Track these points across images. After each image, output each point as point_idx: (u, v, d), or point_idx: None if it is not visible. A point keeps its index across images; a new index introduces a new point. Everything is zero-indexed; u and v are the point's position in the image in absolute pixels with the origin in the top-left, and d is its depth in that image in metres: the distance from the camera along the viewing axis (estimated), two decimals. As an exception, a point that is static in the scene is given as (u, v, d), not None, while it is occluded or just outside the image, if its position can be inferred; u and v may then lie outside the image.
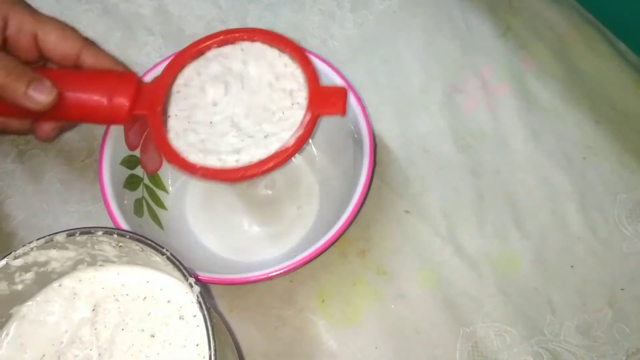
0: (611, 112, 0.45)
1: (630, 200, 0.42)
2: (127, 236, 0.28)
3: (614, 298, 0.39)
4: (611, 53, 0.47)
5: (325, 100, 0.34)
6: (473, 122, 0.45)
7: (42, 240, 0.28)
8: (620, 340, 0.38)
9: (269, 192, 0.42)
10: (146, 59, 0.48)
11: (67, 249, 0.29)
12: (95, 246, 0.30)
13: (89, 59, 0.37)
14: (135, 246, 0.28)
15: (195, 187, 0.43)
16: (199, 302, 0.26)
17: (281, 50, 0.36)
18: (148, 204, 0.40)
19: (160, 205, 0.41)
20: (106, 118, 0.36)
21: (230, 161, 0.34)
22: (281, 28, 0.48)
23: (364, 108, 0.38)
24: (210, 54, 0.37)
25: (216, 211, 0.42)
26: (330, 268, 0.40)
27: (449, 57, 0.47)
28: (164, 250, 0.27)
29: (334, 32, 0.48)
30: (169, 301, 0.30)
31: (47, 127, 0.38)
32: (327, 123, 0.41)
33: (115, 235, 0.28)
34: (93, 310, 0.30)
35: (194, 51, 0.37)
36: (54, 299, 0.31)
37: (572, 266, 0.40)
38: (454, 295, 0.39)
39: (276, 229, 0.42)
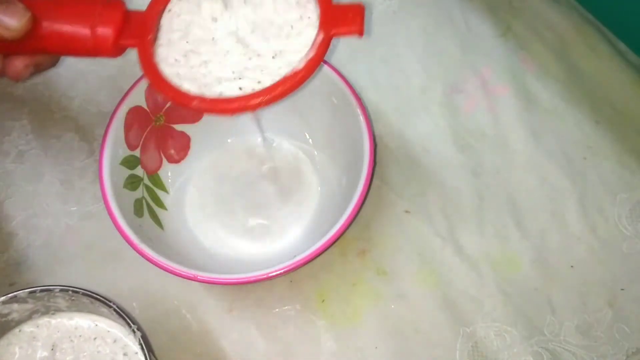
0: (611, 112, 0.45)
1: (630, 200, 0.42)
2: (80, 292, 0.34)
3: (614, 298, 0.39)
4: (611, 53, 0.47)
5: (341, 18, 0.30)
6: (473, 122, 0.45)
7: (7, 297, 0.34)
8: (620, 340, 0.38)
9: (271, 188, 0.42)
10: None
11: (27, 302, 0.35)
12: (51, 299, 0.35)
13: None
14: (86, 300, 0.34)
15: (195, 187, 0.43)
16: (141, 345, 0.33)
17: None
18: (148, 204, 0.40)
19: (160, 205, 0.41)
20: (89, 50, 0.32)
21: (233, 88, 0.30)
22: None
23: (363, 108, 0.38)
24: None
25: (216, 210, 0.42)
26: (330, 268, 0.40)
27: (449, 57, 0.47)
28: (111, 304, 0.34)
29: (334, 32, 0.48)
30: (115, 341, 0.37)
31: (18, 63, 0.33)
32: (328, 122, 0.41)
33: (70, 292, 0.34)
34: (52, 349, 0.36)
35: None
36: (15, 342, 0.36)
37: (572, 266, 0.40)
38: (454, 295, 0.39)
39: (276, 229, 0.42)
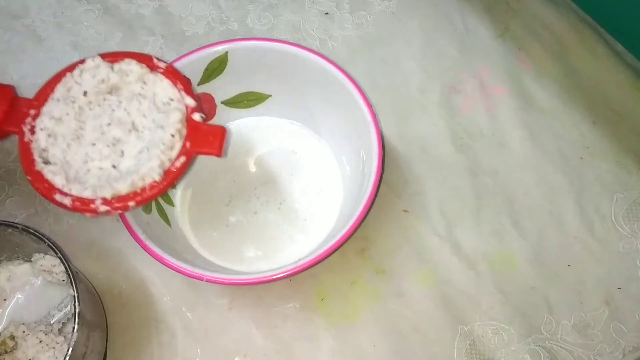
0: (608, 113, 0.45)
1: (626, 200, 0.42)
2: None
3: (610, 297, 0.40)
4: (608, 54, 0.47)
5: (203, 139, 0.33)
6: (471, 122, 0.45)
7: None
8: (617, 338, 0.39)
9: (274, 189, 0.43)
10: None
11: None
12: None
13: None
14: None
15: (201, 184, 0.43)
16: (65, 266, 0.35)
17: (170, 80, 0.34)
18: (157, 201, 0.40)
19: (169, 201, 0.41)
20: None
21: (101, 187, 0.32)
22: (280, 28, 0.49)
23: (377, 123, 0.38)
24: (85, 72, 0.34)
25: (218, 209, 0.42)
26: (329, 267, 0.40)
27: (447, 58, 0.47)
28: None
29: (333, 33, 0.49)
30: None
31: None
32: (337, 125, 0.42)
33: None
34: None
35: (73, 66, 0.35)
36: None
37: (569, 265, 0.40)
38: (452, 294, 0.40)
39: (279, 229, 0.42)
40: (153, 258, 0.35)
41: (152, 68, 0.34)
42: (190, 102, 0.33)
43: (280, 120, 0.44)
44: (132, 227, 0.35)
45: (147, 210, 0.38)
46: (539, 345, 0.38)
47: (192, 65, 0.38)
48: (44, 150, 0.33)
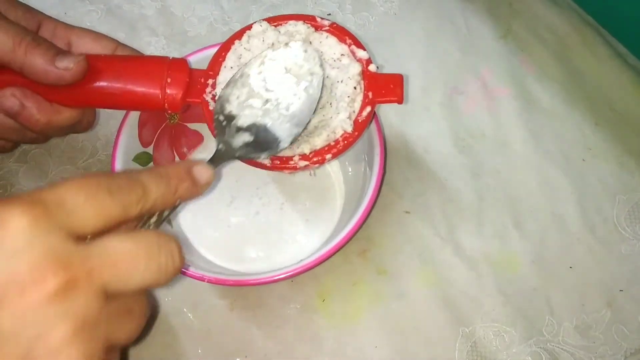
0: (610, 114, 0.45)
1: (629, 202, 0.42)
2: None
3: (612, 299, 0.39)
4: (611, 55, 0.47)
5: (383, 88, 0.34)
6: (473, 123, 0.45)
7: None
8: (618, 341, 0.38)
9: (277, 189, 0.43)
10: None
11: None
12: None
13: None
14: None
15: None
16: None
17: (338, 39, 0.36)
18: None
19: None
20: (158, 107, 0.35)
21: (285, 148, 0.33)
22: (283, 29, 0.49)
23: (378, 124, 0.38)
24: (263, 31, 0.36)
25: (220, 209, 0.42)
26: (330, 268, 0.40)
27: (449, 59, 0.47)
28: None
29: (336, 34, 0.49)
30: None
31: (66, 114, 0.36)
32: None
33: None
34: None
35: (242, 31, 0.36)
36: None
37: (571, 267, 0.40)
38: (453, 295, 0.40)
39: (281, 229, 0.42)
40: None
41: (317, 27, 0.36)
42: (364, 54, 0.36)
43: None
44: None
45: None
46: (541, 347, 0.38)
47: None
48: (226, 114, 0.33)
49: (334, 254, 0.35)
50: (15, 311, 0.19)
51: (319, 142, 0.33)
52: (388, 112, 0.45)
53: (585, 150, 0.44)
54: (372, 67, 0.35)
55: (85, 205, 0.21)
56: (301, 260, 0.35)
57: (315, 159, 0.33)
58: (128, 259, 0.21)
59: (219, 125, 0.33)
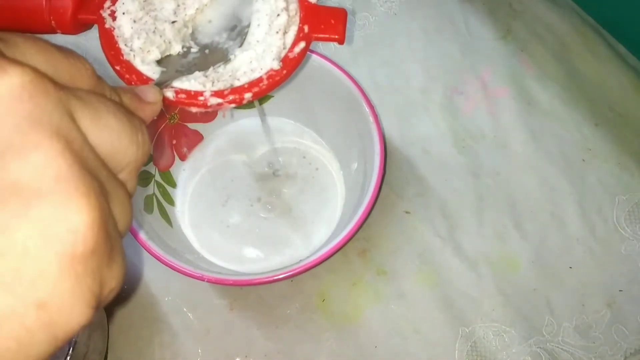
0: (610, 115, 0.45)
1: (629, 202, 0.42)
2: None
3: (612, 299, 0.40)
4: (611, 56, 0.47)
5: (323, 22, 0.29)
6: (473, 123, 0.45)
7: None
8: (618, 341, 0.38)
9: (278, 190, 0.43)
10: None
11: None
12: None
13: None
14: None
15: (204, 185, 0.43)
16: None
17: None
18: (158, 201, 0.40)
19: (170, 201, 0.42)
20: (44, 24, 0.29)
21: (201, 82, 0.28)
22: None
23: (378, 124, 0.38)
24: None
25: (221, 209, 0.42)
26: (330, 268, 0.40)
27: (449, 59, 0.47)
28: None
29: (336, 34, 0.49)
30: None
31: None
32: (338, 126, 0.42)
33: None
34: None
35: None
36: None
37: (570, 267, 0.40)
38: (453, 296, 0.40)
39: (281, 229, 0.42)
40: (154, 258, 0.35)
41: None
42: None
43: (282, 121, 0.45)
44: (133, 227, 0.35)
45: (149, 210, 0.38)
46: (540, 347, 0.38)
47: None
48: (130, 39, 0.28)
49: (334, 254, 0.35)
50: None
51: (239, 78, 0.28)
52: (388, 112, 0.45)
53: (585, 151, 0.44)
54: None
55: (33, 50, 0.16)
56: (301, 260, 0.35)
57: (231, 97, 0.27)
58: (102, 106, 0.17)
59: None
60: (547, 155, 0.44)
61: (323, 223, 0.41)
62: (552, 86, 0.46)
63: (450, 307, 0.39)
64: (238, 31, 0.29)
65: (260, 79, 0.28)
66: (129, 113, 0.18)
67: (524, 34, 0.48)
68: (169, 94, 0.27)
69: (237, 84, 0.28)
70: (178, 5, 0.29)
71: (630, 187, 0.43)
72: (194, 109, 0.28)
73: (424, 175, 0.43)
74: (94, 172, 0.15)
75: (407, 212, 0.42)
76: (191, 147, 0.44)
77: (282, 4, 0.29)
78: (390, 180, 0.43)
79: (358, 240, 0.41)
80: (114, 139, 0.17)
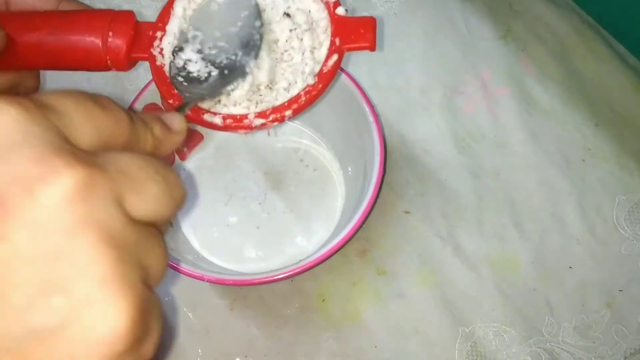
0: (610, 115, 0.45)
1: (628, 202, 0.42)
2: None
3: (612, 299, 0.40)
4: (611, 56, 0.47)
5: (353, 32, 0.30)
6: (473, 123, 0.45)
7: None
8: (618, 341, 0.39)
9: (278, 190, 0.43)
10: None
11: None
12: None
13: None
14: None
15: (203, 184, 0.43)
16: None
17: None
18: None
19: None
20: (100, 63, 0.31)
21: (245, 106, 0.30)
22: (283, 29, 0.49)
23: (378, 124, 0.38)
24: None
25: (221, 209, 0.42)
26: (330, 268, 0.40)
27: (449, 59, 0.47)
28: None
29: (336, 34, 0.49)
30: None
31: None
32: (339, 127, 0.42)
33: None
34: None
35: None
36: None
37: (570, 267, 0.40)
38: (453, 296, 0.40)
39: (281, 229, 0.42)
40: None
41: None
42: None
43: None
44: None
45: None
46: (540, 347, 0.38)
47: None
48: (181, 69, 0.30)
49: (333, 254, 0.35)
50: (26, 220, 0.14)
51: (279, 98, 0.30)
52: (388, 112, 0.45)
53: (585, 151, 0.44)
54: (339, 10, 0.30)
55: (75, 112, 0.17)
56: (301, 260, 0.35)
57: (272, 117, 0.29)
58: (142, 174, 0.18)
59: (180, 84, 0.30)
60: (547, 155, 0.44)
61: (323, 223, 0.41)
62: (552, 86, 0.46)
63: (450, 307, 0.39)
64: (251, 46, 0.30)
65: (298, 96, 0.29)
66: (162, 170, 0.19)
67: (523, 34, 0.48)
68: (217, 120, 0.29)
69: (277, 103, 0.29)
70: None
71: (630, 187, 0.43)
72: (241, 132, 0.30)
73: (424, 175, 0.43)
74: (135, 250, 0.17)
75: (407, 212, 0.42)
76: (191, 147, 0.44)
77: (320, 21, 0.30)
78: (390, 181, 0.43)
79: (358, 240, 0.41)
80: (156, 204, 0.18)
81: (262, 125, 0.29)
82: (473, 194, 0.43)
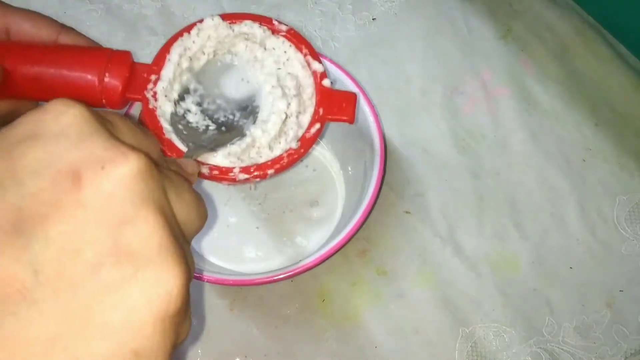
0: (610, 115, 0.45)
1: (629, 202, 0.42)
2: None
3: (612, 299, 0.40)
4: (611, 56, 0.47)
5: (335, 105, 0.32)
6: (473, 123, 0.45)
7: None
8: (618, 341, 0.38)
9: (279, 190, 0.43)
10: (149, 59, 0.48)
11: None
12: None
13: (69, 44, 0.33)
14: None
15: (202, 184, 0.43)
16: None
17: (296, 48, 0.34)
18: None
19: None
20: (95, 102, 0.32)
21: (231, 160, 0.31)
22: (283, 29, 0.49)
23: (379, 124, 0.38)
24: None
25: (221, 208, 0.42)
26: (330, 268, 0.40)
27: (449, 59, 0.47)
28: None
29: (336, 34, 0.49)
30: None
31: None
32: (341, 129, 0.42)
33: None
34: None
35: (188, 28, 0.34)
36: None
37: (571, 267, 0.40)
38: (453, 296, 0.40)
39: (281, 229, 0.42)
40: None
41: (273, 31, 0.34)
42: (318, 67, 0.33)
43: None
44: None
45: None
46: (541, 348, 0.38)
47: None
48: (181, 117, 0.32)
49: (333, 254, 0.35)
50: (98, 191, 0.17)
51: (262, 156, 0.32)
52: (388, 112, 0.45)
53: (585, 151, 0.44)
54: (326, 82, 0.32)
55: (123, 125, 0.20)
56: (301, 260, 0.35)
57: (256, 173, 0.31)
58: (180, 182, 0.21)
59: (180, 132, 0.32)
60: (547, 155, 0.44)
61: (323, 223, 0.41)
62: (552, 86, 0.46)
63: (450, 307, 0.39)
64: (250, 111, 0.32)
65: (281, 157, 0.31)
66: (191, 187, 0.21)
67: (524, 34, 0.48)
68: (204, 170, 0.31)
69: (260, 161, 0.31)
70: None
71: (630, 187, 0.43)
72: (225, 183, 0.31)
73: (424, 175, 0.43)
74: (179, 240, 0.19)
75: (407, 212, 0.42)
76: None
77: (306, 90, 0.32)
78: (390, 181, 0.43)
79: (358, 240, 0.41)
80: (190, 211, 0.21)
81: (245, 180, 0.31)
82: (473, 194, 0.43)
